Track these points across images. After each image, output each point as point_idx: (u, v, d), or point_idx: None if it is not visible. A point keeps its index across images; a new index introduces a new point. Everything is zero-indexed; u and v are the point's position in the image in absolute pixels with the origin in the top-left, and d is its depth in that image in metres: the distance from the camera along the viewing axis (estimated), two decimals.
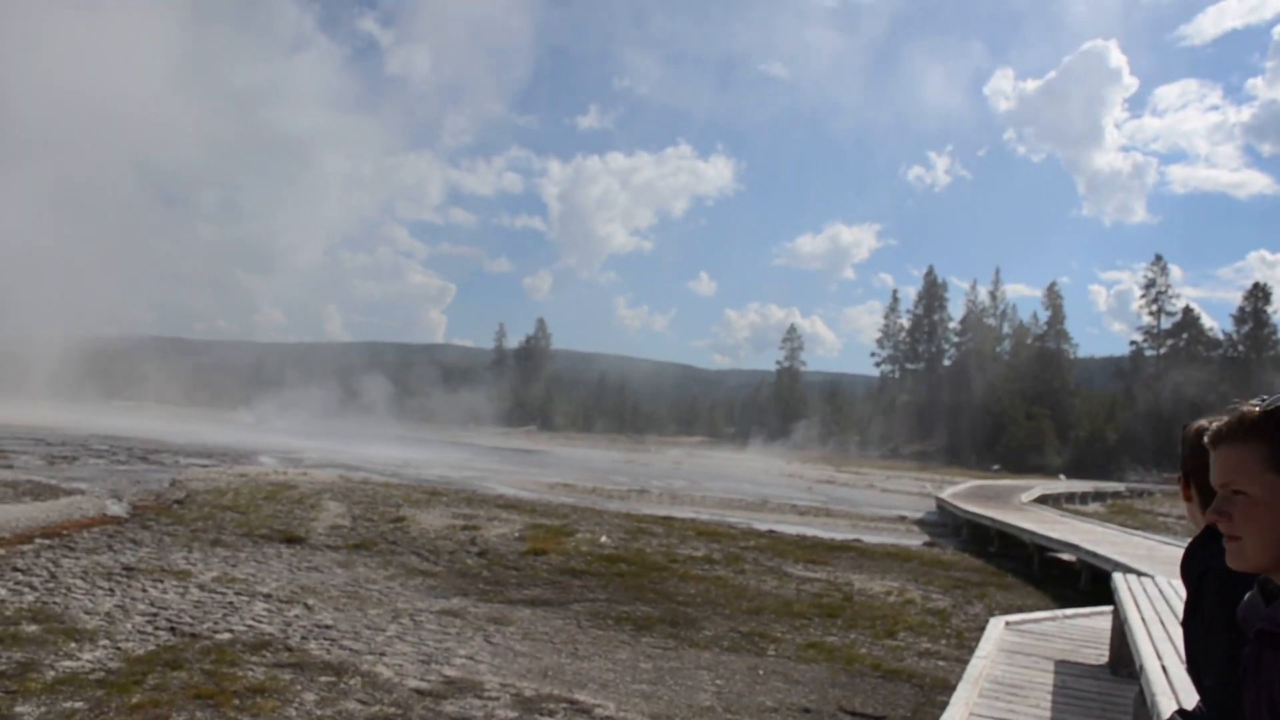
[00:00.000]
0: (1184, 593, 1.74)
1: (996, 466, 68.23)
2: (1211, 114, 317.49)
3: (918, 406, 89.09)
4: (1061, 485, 42.50)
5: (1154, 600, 6.57)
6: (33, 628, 7.78)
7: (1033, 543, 17.23)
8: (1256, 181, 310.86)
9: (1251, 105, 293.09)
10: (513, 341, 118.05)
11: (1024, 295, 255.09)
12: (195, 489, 19.76)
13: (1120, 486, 48.50)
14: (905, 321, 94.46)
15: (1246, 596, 1.38)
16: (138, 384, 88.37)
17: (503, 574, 12.34)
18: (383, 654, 7.82)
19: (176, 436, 41.86)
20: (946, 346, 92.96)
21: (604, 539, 16.00)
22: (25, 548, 11.66)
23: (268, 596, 9.78)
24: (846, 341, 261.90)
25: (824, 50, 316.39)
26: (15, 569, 10.23)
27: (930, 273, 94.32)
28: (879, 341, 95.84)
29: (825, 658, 8.85)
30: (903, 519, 26.43)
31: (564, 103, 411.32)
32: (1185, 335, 75.83)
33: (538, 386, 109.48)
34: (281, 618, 8.86)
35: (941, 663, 9.02)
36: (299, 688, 6.69)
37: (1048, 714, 5.55)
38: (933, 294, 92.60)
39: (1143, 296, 77.62)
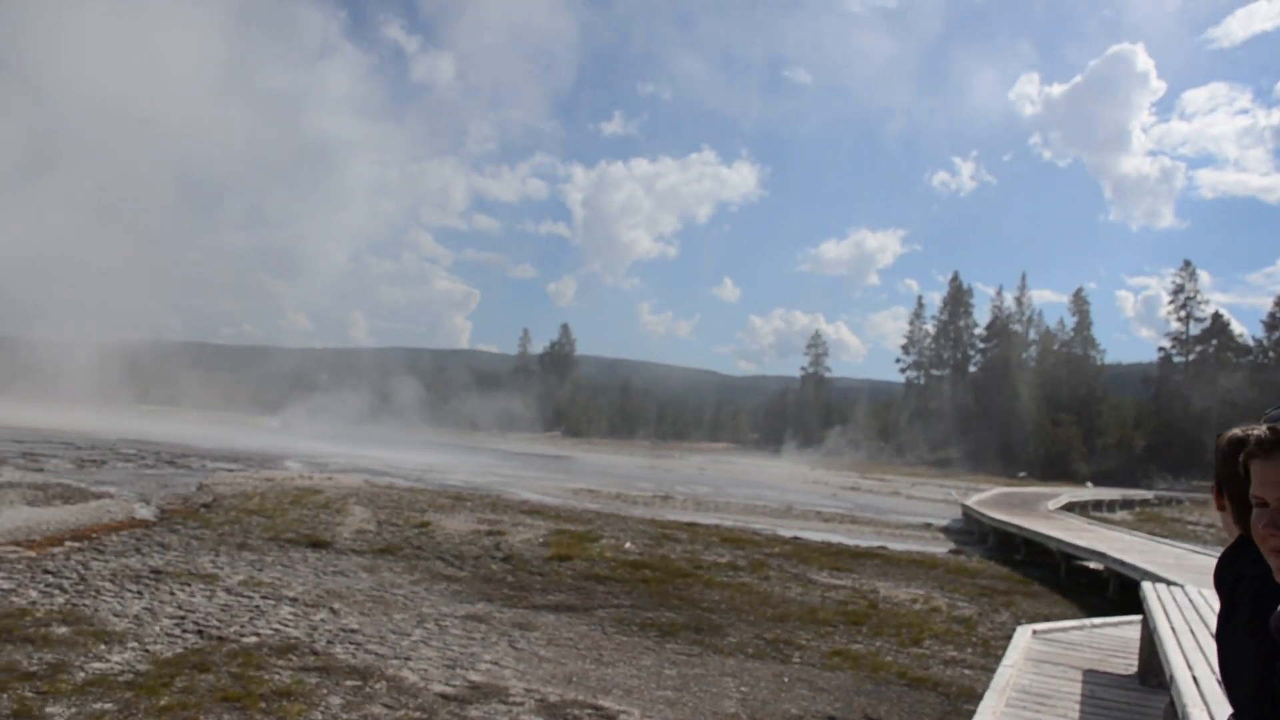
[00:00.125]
0: (1215, 602, 1.73)
1: (1023, 474, 67.66)
2: (1241, 117, 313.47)
3: (943, 413, 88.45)
4: (1089, 493, 42.04)
5: (1184, 610, 6.50)
6: (63, 629, 7.89)
7: (1060, 551, 17.08)
8: None
9: None
10: (537, 347, 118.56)
11: (1050, 301, 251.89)
12: (222, 493, 19.92)
13: (1148, 494, 47.99)
14: (930, 328, 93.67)
15: None
16: (166, 389, 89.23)
17: (527, 579, 12.36)
18: (408, 658, 7.86)
19: (203, 441, 42.22)
20: (972, 353, 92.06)
21: (628, 545, 15.99)
22: (55, 550, 11.81)
23: (294, 600, 9.85)
24: (871, 348, 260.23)
25: (849, 57, 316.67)
26: (46, 571, 10.37)
27: (955, 278, 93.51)
28: (904, 348, 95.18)
29: (850, 665, 8.81)
30: (928, 526, 26.26)
31: (588, 109, 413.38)
32: (1214, 341, 74.80)
33: (562, 392, 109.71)
34: (307, 622, 8.93)
35: (968, 671, 8.96)
36: (325, 691, 6.74)
37: None
38: (958, 300, 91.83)
39: (1171, 302, 76.84)
